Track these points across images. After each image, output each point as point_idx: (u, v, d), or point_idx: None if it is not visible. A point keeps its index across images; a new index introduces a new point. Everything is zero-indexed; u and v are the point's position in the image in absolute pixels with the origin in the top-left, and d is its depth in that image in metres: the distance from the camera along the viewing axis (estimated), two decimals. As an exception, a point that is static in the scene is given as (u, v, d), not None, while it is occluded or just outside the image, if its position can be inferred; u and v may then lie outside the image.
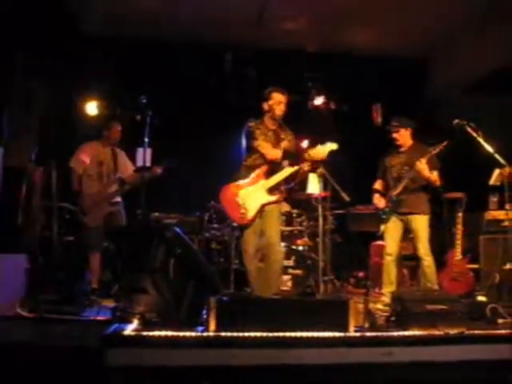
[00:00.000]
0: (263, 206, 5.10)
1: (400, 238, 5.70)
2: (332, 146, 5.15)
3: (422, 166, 5.43)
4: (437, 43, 8.12)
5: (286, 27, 7.70)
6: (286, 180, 5.23)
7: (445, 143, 5.43)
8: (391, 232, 5.69)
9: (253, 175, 5.15)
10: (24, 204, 5.77)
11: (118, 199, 6.21)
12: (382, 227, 5.68)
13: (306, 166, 5.15)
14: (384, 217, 5.69)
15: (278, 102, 5.18)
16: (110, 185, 6.17)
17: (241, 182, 5.14)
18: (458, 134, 5.67)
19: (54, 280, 4.49)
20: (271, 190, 5.13)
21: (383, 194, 5.82)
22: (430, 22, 7.43)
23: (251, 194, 5.09)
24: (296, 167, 5.12)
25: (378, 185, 5.94)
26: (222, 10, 7.21)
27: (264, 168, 5.14)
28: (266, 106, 5.23)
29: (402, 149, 5.80)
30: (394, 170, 5.78)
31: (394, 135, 5.74)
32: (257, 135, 5.15)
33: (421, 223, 5.60)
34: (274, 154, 5.11)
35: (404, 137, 5.77)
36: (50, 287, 4.46)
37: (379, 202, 5.75)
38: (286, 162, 5.23)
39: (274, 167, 5.17)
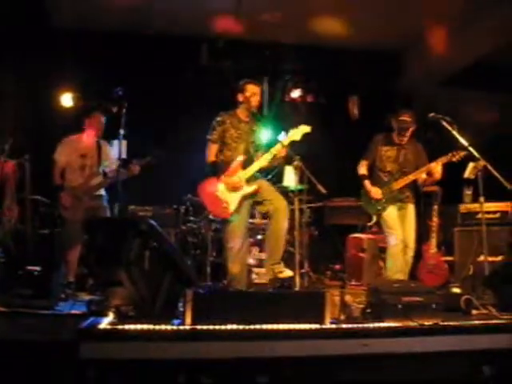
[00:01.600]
0: (243, 197, 5.10)
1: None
2: (305, 128, 5.16)
3: (438, 168, 5.52)
4: (411, 37, 8.16)
5: (262, 19, 7.67)
6: (263, 168, 5.22)
7: (463, 153, 5.42)
8: (393, 220, 5.67)
9: (230, 168, 5.14)
10: (-3, 197, 5.69)
11: (102, 192, 6.08)
12: (375, 218, 5.66)
13: (280, 151, 5.11)
14: (379, 208, 5.69)
15: (253, 93, 5.20)
16: (93, 177, 6.02)
17: (219, 176, 5.14)
18: (432, 128, 5.73)
19: (28, 274, 4.42)
20: (249, 181, 5.13)
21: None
22: (405, 16, 7.46)
23: (225, 187, 5.10)
24: (271, 153, 5.10)
25: (365, 170, 5.87)
26: (197, 2, 7.18)
27: (240, 159, 5.14)
28: (240, 98, 5.24)
29: (401, 143, 5.79)
30: (388, 161, 5.78)
31: (410, 129, 5.68)
32: (225, 127, 5.20)
33: (412, 212, 5.68)
34: (210, 158, 5.21)
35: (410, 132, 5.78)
36: (24, 281, 4.38)
37: (376, 192, 5.70)
38: (259, 154, 5.24)
39: (250, 158, 5.19)
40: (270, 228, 5.21)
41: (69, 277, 5.60)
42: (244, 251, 5.20)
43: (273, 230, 5.16)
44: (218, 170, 5.18)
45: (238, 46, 8.10)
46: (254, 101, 5.20)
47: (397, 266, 5.59)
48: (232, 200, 5.08)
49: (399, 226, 5.65)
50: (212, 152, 5.23)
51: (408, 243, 5.61)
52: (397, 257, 5.60)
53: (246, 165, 5.16)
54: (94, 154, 6.04)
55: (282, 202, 5.16)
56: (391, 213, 5.68)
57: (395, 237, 5.63)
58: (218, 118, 5.24)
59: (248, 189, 5.12)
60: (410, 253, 5.62)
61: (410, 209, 5.72)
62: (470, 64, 7.59)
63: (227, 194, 5.08)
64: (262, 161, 5.14)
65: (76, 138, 6.11)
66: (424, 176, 5.69)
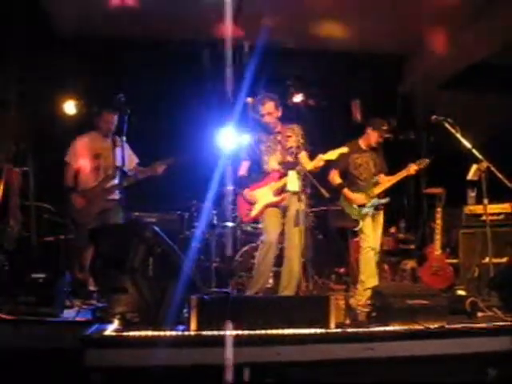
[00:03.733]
0: (266, 206, 5.24)
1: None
2: (343, 149, 5.23)
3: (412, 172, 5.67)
4: (413, 40, 8.15)
5: (263, 24, 7.67)
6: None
7: (427, 161, 5.65)
8: (371, 226, 5.72)
9: (266, 178, 5.34)
10: (1, 204, 5.68)
11: (116, 196, 5.85)
12: (361, 223, 5.71)
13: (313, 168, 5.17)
14: (364, 212, 5.71)
15: (266, 112, 5.29)
16: (108, 179, 5.85)
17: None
18: (435, 130, 5.73)
19: (33, 281, 4.41)
20: (276, 192, 5.24)
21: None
22: (406, 19, 7.46)
23: (260, 194, 5.28)
24: (300, 171, 5.13)
25: (339, 178, 5.91)
26: (197, 8, 7.19)
27: (278, 173, 5.30)
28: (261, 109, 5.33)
29: (367, 148, 5.91)
30: (361, 168, 5.86)
31: (386, 137, 5.84)
32: (253, 145, 5.42)
33: (381, 218, 5.82)
34: (239, 173, 5.46)
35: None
36: (29, 288, 4.39)
37: (359, 197, 5.76)
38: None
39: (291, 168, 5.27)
40: (284, 263, 5.28)
41: (89, 286, 5.42)
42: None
43: (285, 266, 5.24)
44: (243, 184, 5.43)
45: (238, 51, 8.10)
46: (267, 118, 5.31)
47: (371, 270, 5.64)
48: (256, 207, 5.27)
49: (372, 231, 5.72)
50: (242, 168, 5.48)
51: (376, 248, 5.71)
52: (370, 261, 5.66)
53: (282, 177, 5.29)
54: (108, 155, 5.83)
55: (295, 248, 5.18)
56: (369, 220, 5.74)
57: (368, 242, 5.69)
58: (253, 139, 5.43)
59: (272, 199, 5.25)
60: (376, 258, 5.72)
61: (381, 214, 5.83)
62: (470, 66, 7.59)
63: (256, 200, 5.27)
64: (291, 177, 5.22)
65: (88, 138, 5.96)
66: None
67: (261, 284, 5.15)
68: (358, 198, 5.77)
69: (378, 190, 5.75)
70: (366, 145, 5.90)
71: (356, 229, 5.81)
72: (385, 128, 5.84)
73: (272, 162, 5.35)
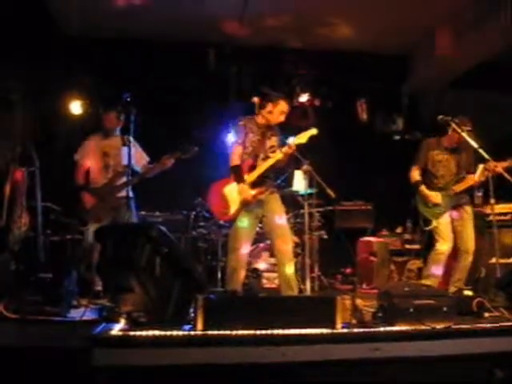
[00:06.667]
0: (244, 201, 5.09)
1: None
2: (312, 131, 5.16)
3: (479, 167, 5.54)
4: (418, 39, 8.14)
5: (268, 24, 7.68)
6: (266, 172, 5.20)
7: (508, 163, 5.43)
8: (445, 228, 5.68)
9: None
10: (8, 205, 5.69)
11: (129, 194, 5.73)
12: (435, 223, 5.66)
13: (286, 153, 5.10)
14: (438, 212, 5.67)
15: (281, 111, 5.22)
16: (118, 177, 5.86)
17: (229, 178, 5.18)
18: (442, 130, 5.71)
19: (39, 281, 4.42)
20: (252, 185, 5.12)
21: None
22: (412, 18, 7.45)
23: (234, 190, 5.13)
24: (277, 154, 5.11)
25: (419, 176, 5.85)
26: (204, 8, 7.19)
27: (247, 162, 5.17)
28: (269, 107, 5.23)
29: (449, 147, 5.80)
30: (440, 165, 5.79)
31: (464, 136, 5.50)
32: (246, 132, 5.21)
33: (471, 215, 5.73)
34: (235, 162, 5.17)
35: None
36: (35, 288, 4.39)
37: (436, 196, 5.70)
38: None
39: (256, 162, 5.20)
40: (278, 271, 5.22)
41: (96, 285, 5.35)
42: (244, 256, 5.18)
43: (280, 275, 5.17)
44: (241, 174, 5.16)
45: (244, 51, 8.11)
46: (278, 118, 5.23)
47: (437, 272, 5.62)
48: (233, 203, 5.11)
49: (449, 233, 5.66)
50: (237, 156, 5.21)
51: (468, 248, 5.63)
52: (438, 263, 5.63)
53: (251, 168, 5.18)
54: (117, 153, 5.86)
55: (285, 241, 5.13)
56: (443, 221, 5.68)
57: (441, 244, 5.65)
58: (240, 123, 5.26)
59: (248, 193, 5.08)
60: (469, 258, 5.62)
61: (469, 211, 5.75)
62: (478, 64, 7.56)
63: (230, 196, 5.12)
64: (267, 163, 5.15)
65: (97, 137, 6.01)
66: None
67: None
68: (433, 196, 5.71)
69: (458, 188, 5.69)
70: (448, 143, 5.81)
71: (429, 228, 5.77)
72: (467, 128, 5.54)
73: (256, 156, 5.21)
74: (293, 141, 5.12)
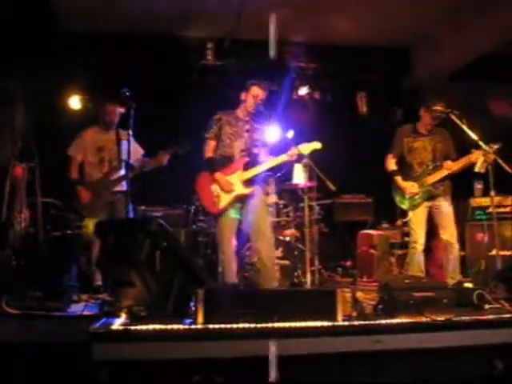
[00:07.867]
0: (236, 197, 5.12)
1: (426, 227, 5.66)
2: (316, 144, 5.22)
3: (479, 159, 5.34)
4: (419, 32, 8.12)
5: (268, 17, 7.65)
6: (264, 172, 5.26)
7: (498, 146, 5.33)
8: (420, 219, 5.63)
9: (230, 166, 5.19)
10: (8, 201, 5.69)
11: (122, 188, 5.79)
12: (410, 214, 5.62)
13: (288, 158, 5.17)
14: (415, 203, 5.62)
15: (255, 95, 5.21)
16: (113, 171, 5.87)
17: (215, 171, 5.20)
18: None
19: (40, 276, 4.43)
20: (246, 183, 5.15)
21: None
22: (413, 11, 7.43)
23: (226, 182, 5.15)
24: (278, 160, 5.14)
25: (394, 165, 5.79)
26: (203, 3, 7.18)
27: (244, 159, 5.18)
28: (243, 96, 5.29)
29: (425, 132, 5.73)
30: (416, 153, 5.70)
31: (440, 117, 5.52)
32: (221, 125, 5.25)
33: (447, 207, 5.62)
34: (207, 154, 5.24)
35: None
36: (36, 283, 4.40)
37: (412, 186, 5.61)
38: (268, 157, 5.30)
39: (253, 159, 5.22)
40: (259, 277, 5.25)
41: (96, 280, 5.43)
42: (233, 249, 5.21)
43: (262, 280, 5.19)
44: (214, 165, 5.21)
45: (244, 44, 8.09)
46: (254, 103, 5.21)
47: (419, 267, 5.59)
48: (224, 197, 5.13)
49: (423, 226, 5.61)
50: (209, 148, 5.27)
51: (450, 238, 5.54)
52: (415, 257, 5.61)
53: (248, 166, 5.19)
54: (112, 147, 5.85)
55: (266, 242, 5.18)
56: (418, 212, 5.62)
57: (413, 235, 5.64)
58: (215, 116, 5.31)
59: (243, 190, 5.13)
60: (455, 247, 5.55)
61: (444, 204, 5.63)
62: (478, 58, 7.55)
63: (221, 189, 5.14)
64: (266, 165, 5.20)
65: (91, 131, 6.00)
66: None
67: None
68: (409, 186, 5.63)
69: (433, 179, 5.61)
70: (423, 128, 5.74)
71: (406, 220, 5.73)
72: (436, 108, 5.52)
73: (235, 148, 5.24)
74: (294, 150, 5.16)
